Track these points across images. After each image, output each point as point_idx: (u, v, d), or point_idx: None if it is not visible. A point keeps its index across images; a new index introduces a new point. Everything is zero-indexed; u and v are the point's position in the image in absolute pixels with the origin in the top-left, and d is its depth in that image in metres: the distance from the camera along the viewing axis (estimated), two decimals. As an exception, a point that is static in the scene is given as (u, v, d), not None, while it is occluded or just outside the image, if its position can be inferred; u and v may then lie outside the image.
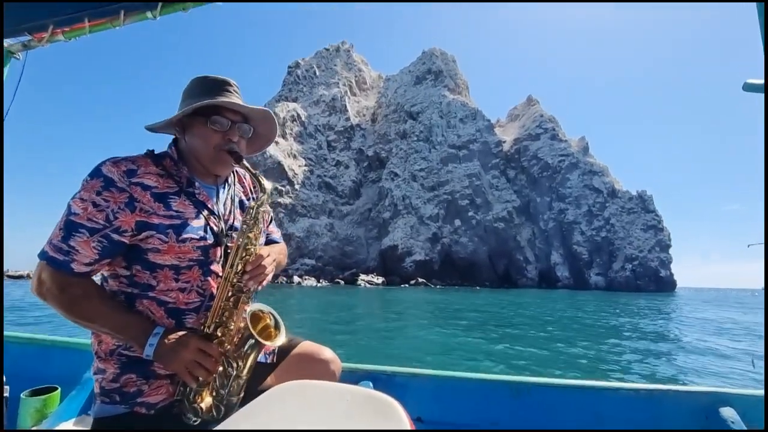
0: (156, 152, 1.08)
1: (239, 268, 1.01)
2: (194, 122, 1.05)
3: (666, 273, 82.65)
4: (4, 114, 1.93)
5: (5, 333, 1.87)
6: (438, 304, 25.09)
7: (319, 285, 60.87)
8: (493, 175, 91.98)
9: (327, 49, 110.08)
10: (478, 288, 67.89)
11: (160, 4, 1.55)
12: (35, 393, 1.53)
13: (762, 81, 0.90)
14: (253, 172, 1.09)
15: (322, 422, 0.60)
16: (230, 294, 1.00)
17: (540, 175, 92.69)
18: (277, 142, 73.65)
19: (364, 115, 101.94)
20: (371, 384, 1.46)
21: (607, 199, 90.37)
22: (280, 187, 76.69)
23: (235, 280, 1.01)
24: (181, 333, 0.96)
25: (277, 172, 77.77)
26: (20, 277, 60.86)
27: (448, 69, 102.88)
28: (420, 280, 71.32)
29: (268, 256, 1.09)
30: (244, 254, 1.02)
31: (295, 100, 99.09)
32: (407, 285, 68.52)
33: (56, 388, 1.57)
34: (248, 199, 1.22)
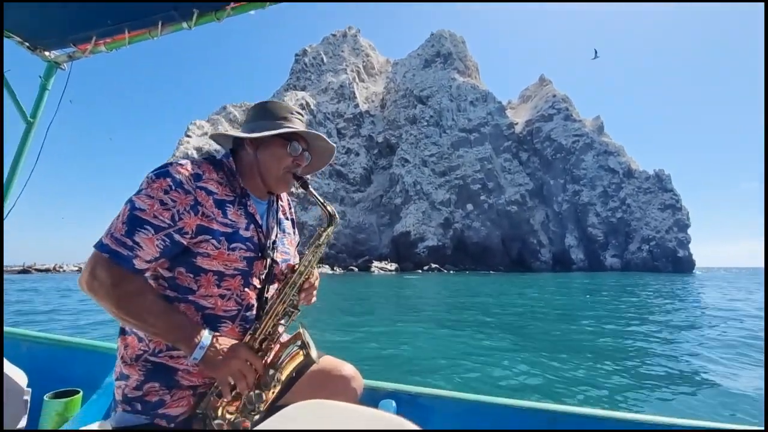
0: (216, 159, 1.11)
1: (297, 286, 1.06)
2: (273, 142, 1.10)
3: (684, 253, 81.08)
4: (51, 121, 2.08)
5: (31, 333, 1.94)
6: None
7: (333, 273, 61.69)
8: (505, 158, 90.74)
9: (334, 35, 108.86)
10: (491, 272, 67.69)
11: (195, 15, 1.62)
12: (57, 395, 1.54)
13: None
14: (322, 201, 1.13)
15: None
16: (282, 310, 1.04)
17: (553, 156, 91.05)
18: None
19: (372, 101, 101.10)
20: (394, 403, 1.41)
21: (623, 179, 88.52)
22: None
23: (290, 297, 1.05)
24: (231, 340, 0.97)
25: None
26: (47, 270, 63.30)
27: (457, 51, 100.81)
28: (433, 265, 71.59)
29: (318, 277, 1.17)
30: (305, 274, 1.08)
31: (303, 89, 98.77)
32: (420, 271, 68.91)
33: (78, 392, 1.57)
34: (286, 218, 1.26)
